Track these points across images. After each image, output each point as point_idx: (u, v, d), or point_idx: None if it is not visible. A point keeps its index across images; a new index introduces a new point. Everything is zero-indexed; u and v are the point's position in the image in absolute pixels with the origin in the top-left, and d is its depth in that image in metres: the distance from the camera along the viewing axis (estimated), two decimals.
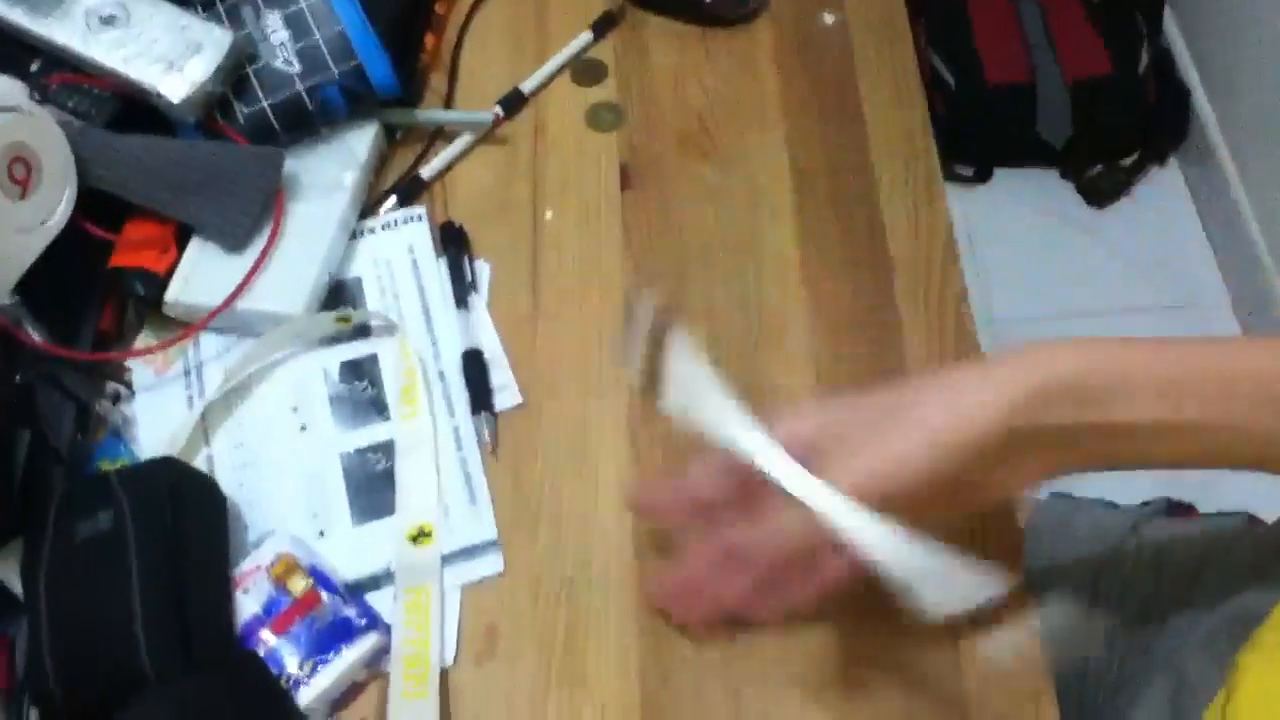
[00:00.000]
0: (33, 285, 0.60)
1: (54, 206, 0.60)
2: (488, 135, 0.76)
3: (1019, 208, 1.71)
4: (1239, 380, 0.47)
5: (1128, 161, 1.73)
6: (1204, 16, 1.71)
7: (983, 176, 1.72)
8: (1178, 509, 0.79)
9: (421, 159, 0.74)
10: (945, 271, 0.72)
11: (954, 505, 0.50)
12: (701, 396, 0.51)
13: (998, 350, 0.49)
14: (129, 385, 0.64)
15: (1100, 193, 1.72)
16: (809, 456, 0.48)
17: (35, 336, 0.60)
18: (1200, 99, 1.71)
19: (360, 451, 0.64)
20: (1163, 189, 1.75)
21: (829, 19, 0.83)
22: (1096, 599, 0.72)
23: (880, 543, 0.46)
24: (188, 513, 0.57)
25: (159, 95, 0.65)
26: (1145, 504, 0.79)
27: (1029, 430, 0.46)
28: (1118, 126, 1.71)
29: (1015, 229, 1.69)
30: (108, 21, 0.65)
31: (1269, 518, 0.73)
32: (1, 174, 0.57)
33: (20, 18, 0.65)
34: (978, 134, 1.68)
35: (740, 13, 0.82)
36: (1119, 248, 1.69)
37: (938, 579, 0.46)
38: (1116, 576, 0.72)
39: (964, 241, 0.81)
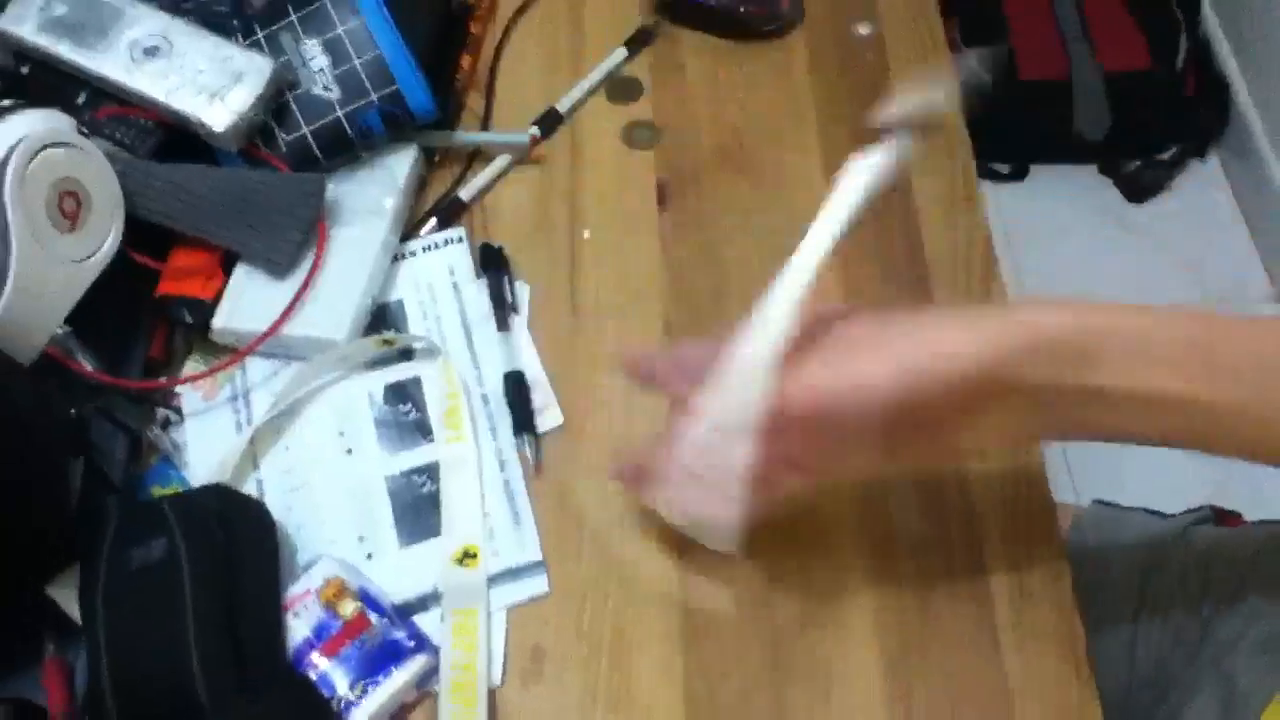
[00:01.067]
0: (83, 315, 0.62)
1: (103, 238, 0.61)
2: (525, 155, 0.76)
3: (1057, 204, 1.69)
4: (1232, 357, 0.46)
5: (1166, 155, 1.71)
6: (1242, 6, 1.68)
7: (1020, 174, 1.70)
8: (1224, 517, 0.78)
9: (460, 180, 0.75)
10: (985, 275, 0.71)
11: (916, 447, 0.49)
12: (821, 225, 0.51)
13: (994, 303, 0.48)
14: (179, 411, 0.65)
15: (1139, 188, 1.70)
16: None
17: (87, 366, 0.62)
18: (1240, 90, 1.68)
19: (405, 474, 0.64)
20: (1203, 182, 1.73)
21: (863, 30, 0.83)
22: (1143, 605, 0.72)
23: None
24: (239, 538, 0.58)
25: (202, 125, 0.66)
26: (1191, 511, 0.78)
27: (1003, 381, 0.45)
28: (1156, 120, 1.69)
29: (1053, 226, 1.67)
30: (151, 53, 0.66)
31: None
32: (53, 208, 0.58)
33: (67, 51, 0.66)
34: (1014, 131, 1.66)
35: (775, 26, 0.82)
36: (1159, 243, 1.67)
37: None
38: (1164, 582, 0.72)
39: (1001, 240, 0.81)
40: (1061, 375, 0.45)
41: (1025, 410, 0.47)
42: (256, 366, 0.67)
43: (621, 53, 0.81)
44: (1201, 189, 1.72)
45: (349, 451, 0.65)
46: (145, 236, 0.65)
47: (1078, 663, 0.58)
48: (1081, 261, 1.65)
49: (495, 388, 0.67)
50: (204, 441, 0.65)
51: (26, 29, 0.66)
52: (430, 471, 0.65)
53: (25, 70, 0.67)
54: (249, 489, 0.63)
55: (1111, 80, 1.64)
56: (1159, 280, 1.63)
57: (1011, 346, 0.45)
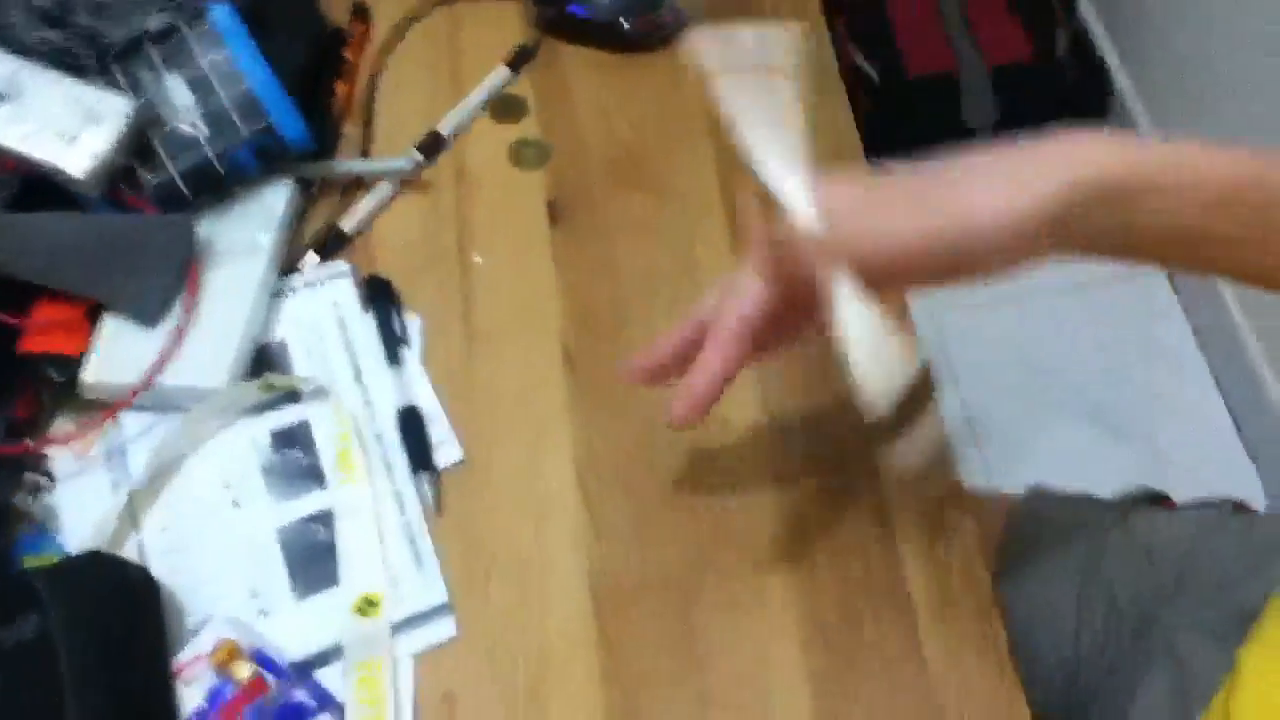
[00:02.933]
0: None
1: None
2: (409, 182, 0.74)
3: None
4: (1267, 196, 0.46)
5: None
6: None
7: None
8: (1157, 500, 0.79)
9: (341, 212, 0.72)
10: None
11: (945, 280, 0.49)
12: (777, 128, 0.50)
13: (1033, 140, 0.46)
14: (49, 475, 0.62)
15: None
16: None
17: None
18: (1118, 71, 1.73)
19: (298, 523, 0.62)
20: None
21: None
22: (1085, 588, 0.72)
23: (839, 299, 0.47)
24: (120, 608, 0.55)
25: (60, 171, 0.62)
26: (1127, 495, 0.79)
27: (1054, 229, 0.45)
28: (1041, 110, 1.72)
29: None
30: (0, 99, 0.63)
31: (1251, 505, 0.74)
32: None
33: None
34: (904, 126, 1.68)
35: (660, 36, 0.81)
36: None
37: (875, 348, 0.47)
38: (1106, 567, 0.72)
39: None
40: (1106, 220, 0.45)
41: (1065, 244, 0.46)
42: (132, 421, 0.64)
43: (504, 71, 0.79)
44: None
45: (236, 504, 0.62)
46: (5, 292, 0.62)
47: (1002, 664, 0.57)
48: None
49: (389, 425, 0.65)
50: (79, 505, 0.61)
51: None
52: (325, 518, 0.62)
53: None
54: (129, 552, 0.60)
55: (996, 73, 1.68)
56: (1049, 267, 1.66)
57: (1057, 202, 0.44)
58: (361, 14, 0.80)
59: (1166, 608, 0.68)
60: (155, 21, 0.68)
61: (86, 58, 0.66)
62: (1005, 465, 1.44)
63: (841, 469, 0.64)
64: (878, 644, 0.58)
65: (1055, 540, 0.75)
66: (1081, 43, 1.75)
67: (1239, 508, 0.74)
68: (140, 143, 0.65)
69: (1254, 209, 0.45)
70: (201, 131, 0.66)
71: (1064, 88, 1.72)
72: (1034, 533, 0.76)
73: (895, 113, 1.67)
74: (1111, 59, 1.74)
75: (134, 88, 0.66)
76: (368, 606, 0.59)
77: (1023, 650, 0.58)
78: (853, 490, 0.63)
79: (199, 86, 0.67)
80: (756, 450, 0.65)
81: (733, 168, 0.75)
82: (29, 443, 0.62)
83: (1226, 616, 0.62)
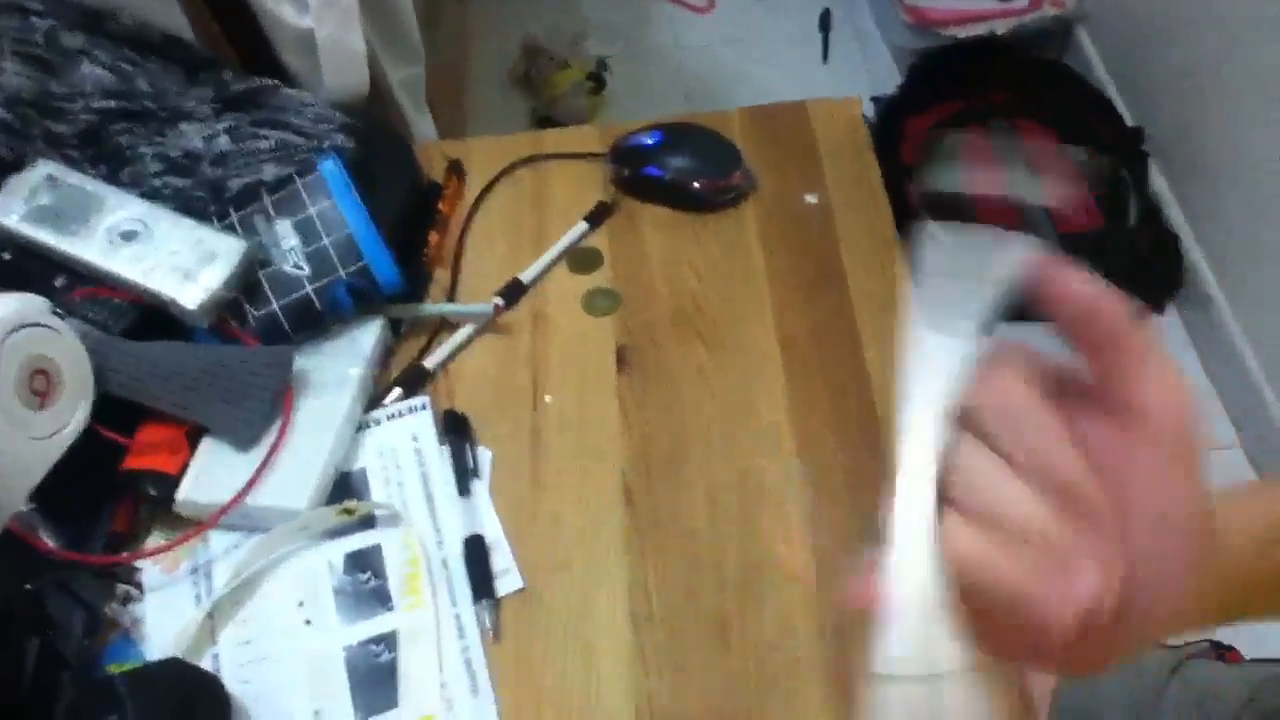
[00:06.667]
0: (48, 490, 0.62)
1: (71, 415, 0.63)
2: (489, 324, 0.79)
3: None
4: None
5: None
6: (1187, 164, 1.76)
7: (985, 330, 1.75)
8: (1222, 652, 0.78)
9: (425, 350, 0.77)
10: None
11: None
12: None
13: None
14: (139, 586, 0.65)
15: None
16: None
17: (50, 542, 0.62)
18: (1192, 246, 1.75)
19: (363, 644, 0.64)
20: (1162, 337, 1.77)
21: (811, 199, 0.87)
22: None
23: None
24: (192, 715, 0.57)
25: (175, 303, 0.68)
26: (1188, 644, 0.78)
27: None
28: (1112, 277, 1.73)
29: None
30: (128, 237, 0.70)
31: None
32: (23, 386, 0.60)
33: (48, 238, 0.69)
34: None
35: (728, 198, 0.86)
36: None
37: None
38: (1156, 717, 0.71)
39: None
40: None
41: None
42: (219, 538, 0.68)
43: (582, 226, 0.85)
44: (1161, 343, 1.76)
45: (308, 622, 0.65)
46: (114, 411, 0.67)
47: None
48: None
49: (456, 553, 0.68)
50: (163, 616, 0.65)
51: (12, 219, 0.69)
52: (388, 640, 0.64)
53: (6, 255, 0.70)
54: (206, 663, 0.63)
55: (1067, 241, 1.70)
56: None
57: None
58: (456, 170, 0.87)
59: None
60: (271, 172, 0.75)
61: (208, 203, 0.73)
62: None
63: None
64: None
65: (1111, 686, 0.74)
66: (1153, 213, 1.78)
67: None
68: (249, 279, 0.71)
69: None
70: (304, 271, 0.72)
71: (1135, 257, 1.73)
72: (1088, 682, 0.75)
73: None
74: (1184, 231, 1.76)
75: (247, 229, 0.73)
76: None
77: None
78: None
79: (305, 230, 0.73)
80: (806, 596, 0.66)
81: (788, 323, 0.79)
82: (126, 555, 0.66)
83: None
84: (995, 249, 0.37)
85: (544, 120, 2.02)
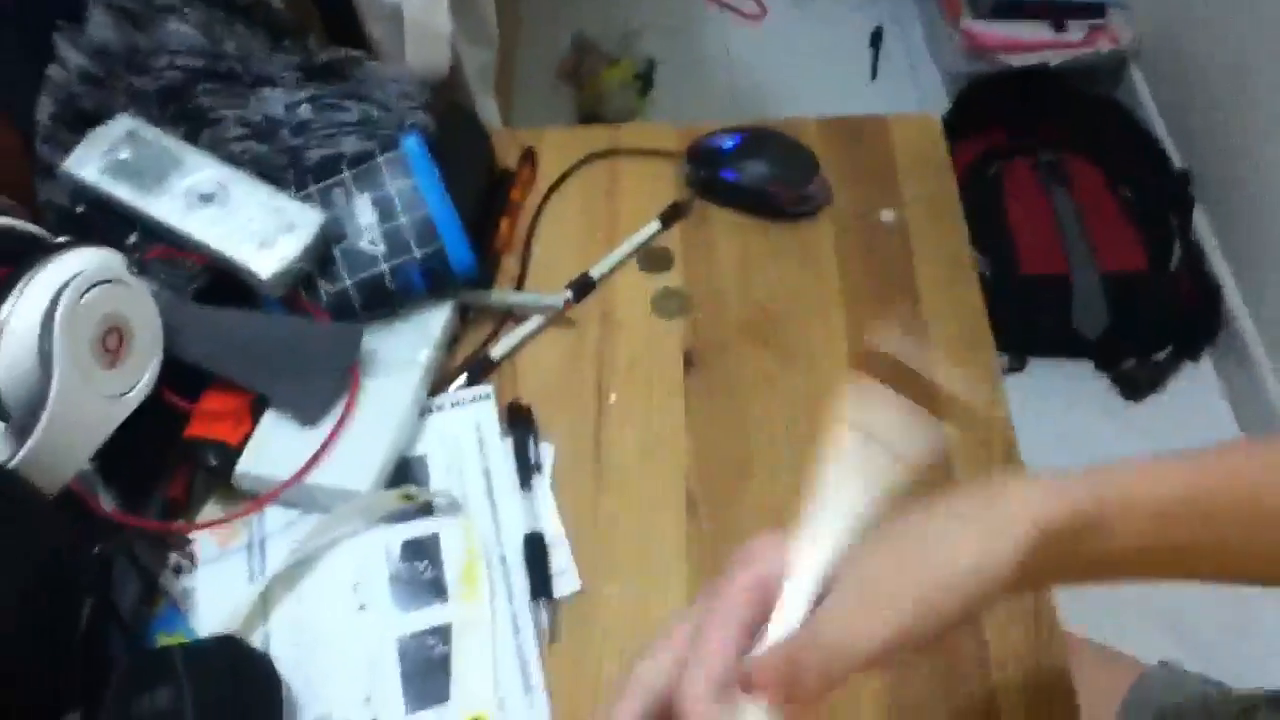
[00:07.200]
0: (108, 452, 0.61)
1: (140, 376, 0.62)
2: (557, 318, 0.77)
3: (1054, 398, 1.71)
4: (1215, 502, 0.48)
5: (1161, 356, 1.75)
6: (1234, 214, 1.75)
7: (1018, 366, 1.73)
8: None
9: (492, 339, 0.76)
10: (1006, 453, 0.72)
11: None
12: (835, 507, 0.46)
13: (996, 485, 0.46)
14: (192, 557, 0.64)
15: (1135, 386, 1.72)
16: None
17: (105, 504, 0.61)
18: (1232, 295, 1.73)
19: (417, 635, 0.63)
20: (1197, 384, 1.75)
21: (887, 216, 0.85)
22: None
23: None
24: (245, 693, 0.56)
25: (249, 271, 0.67)
26: (1254, 692, 0.77)
27: (1030, 572, 0.44)
28: (1152, 321, 1.73)
29: (1050, 419, 1.68)
30: (207, 199, 0.68)
31: None
32: (97, 344, 0.58)
33: (125, 194, 0.68)
34: (1013, 324, 1.70)
35: (803, 208, 0.85)
36: (1153, 441, 1.68)
37: None
38: None
39: None
40: (1070, 557, 0.46)
41: (1036, 581, 0.48)
42: (274, 515, 0.66)
43: (655, 225, 0.83)
44: (1196, 391, 1.75)
45: (362, 608, 0.63)
46: (179, 376, 0.65)
47: None
48: (1076, 455, 1.63)
49: (514, 548, 0.66)
50: (215, 590, 0.63)
51: (89, 171, 0.68)
52: (442, 633, 0.63)
53: (80, 210, 0.69)
54: (257, 641, 0.62)
55: (1109, 280, 1.69)
56: None
57: (1023, 551, 0.44)
58: (530, 158, 0.86)
59: None
60: (353, 145, 0.73)
61: (287, 171, 0.72)
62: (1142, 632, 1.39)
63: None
64: None
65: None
66: (1196, 259, 1.77)
67: None
68: (323, 253, 0.70)
69: (1199, 517, 0.48)
70: (379, 249, 0.71)
71: (1176, 302, 1.72)
72: (1155, 713, 0.74)
73: (1006, 310, 1.68)
74: (1225, 277, 1.75)
75: (325, 202, 0.71)
76: None
77: None
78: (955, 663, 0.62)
79: (383, 207, 0.71)
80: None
81: (860, 339, 0.78)
82: (181, 524, 0.64)
83: None
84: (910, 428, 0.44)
85: (588, 117, 2.01)
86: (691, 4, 2.29)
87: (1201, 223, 1.80)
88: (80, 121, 0.70)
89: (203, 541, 0.65)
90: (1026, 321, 1.71)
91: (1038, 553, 0.45)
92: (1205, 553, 0.49)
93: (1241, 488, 0.49)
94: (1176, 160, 1.84)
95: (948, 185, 0.87)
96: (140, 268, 0.65)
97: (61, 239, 0.60)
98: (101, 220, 0.68)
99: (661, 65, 2.06)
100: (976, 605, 0.45)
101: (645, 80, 2.02)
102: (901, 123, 0.92)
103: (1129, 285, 1.69)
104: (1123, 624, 1.47)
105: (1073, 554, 0.46)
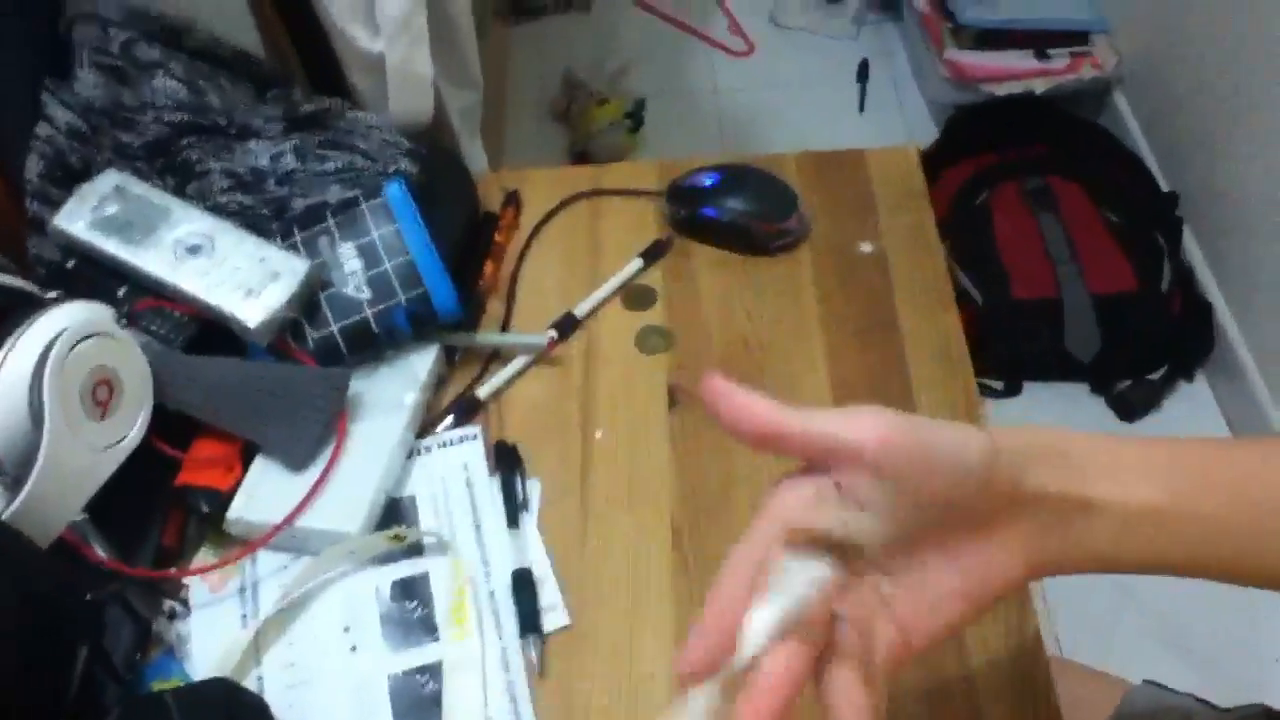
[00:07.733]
0: (100, 501, 0.62)
1: (130, 427, 0.63)
2: (542, 357, 0.79)
3: (1050, 420, 1.72)
4: (1212, 473, 0.46)
5: (1156, 376, 1.75)
6: (1222, 233, 1.76)
7: (1013, 390, 1.74)
8: (1275, 717, 0.77)
9: (478, 379, 0.77)
10: None
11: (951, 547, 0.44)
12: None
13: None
14: (185, 603, 0.65)
15: (1130, 407, 1.73)
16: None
17: (99, 552, 0.62)
18: (1223, 313, 1.74)
19: (408, 673, 0.63)
20: (1192, 403, 1.76)
21: (866, 248, 0.87)
22: None
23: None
24: None
25: (236, 320, 0.68)
26: (1241, 707, 0.77)
27: (1005, 480, 0.43)
28: (1144, 341, 1.74)
29: None
30: (194, 251, 0.70)
31: None
32: (86, 396, 0.59)
33: (114, 248, 0.69)
34: (1006, 348, 1.71)
35: (783, 242, 0.86)
36: None
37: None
38: None
39: None
40: (1053, 481, 0.44)
41: (1030, 526, 0.44)
42: (266, 559, 0.67)
43: (637, 263, 0.85)
44: (1191, 410, 1.75)
45: (353, 648, 0.64)
46: (169, 425, 0.67)
47: None
48: None
49: (503, 585, 0.67)
50: (208, 634, 0.64)
51: (79, 226, 0.69)
52: (433, 671, 0.64)
53: (71, 265, 0.70)
54: (250, 684, 0.62)
55: (1100, 302, 1.70)
56: None
57: (1005, 447, 0.43)
58: (513, 200, 0.87)
59: None
60: (337, 193, 0.75)
61: (273, 221, 0.74)
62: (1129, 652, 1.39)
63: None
64: None
65: None
66: (1186, 279, 1.78)
67: None
68: (310, 300, 0.71)
69: (1187, 481, 0.46)
70: (364, 295, 0.72)
71: (1168, 321, 1.73)
72: None
73: (999, 335, 1.70)
74: (1216, 298, 1.76)
75: (310, 251, 0.73)
76: None
77: None
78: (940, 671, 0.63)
79: (367, 253, 0.73)
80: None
81: (841, 369, 0.79)
82: (174, 570, 0.65)
83: None
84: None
85: (580, 156, 2.04)
86: (680, 40, 2.32)
87: (1190, 242, 1.81)
88: (69, 177, 0.72)
89: (195, 587, 0.66)
90: (1020, 346, 1.72)
91: (1021, 460, 0.43)
92: (1205, 528, 0.46)
93: (1244, 464, 0.47)
94: (1163, 182, 1.86)
95: (925, 215, 0.89)
96: (130, 319, 0.67)
97: (52, 294, 0.62)
98: (92, 274, 0.69)
99: (651, 102, 2.09)
100: (971, 485, 0.42)
101: (635, 119, 2.05)
102: (879, 156, 0.93)
103: (1120, 306, 1.70)
104: (1111, 642, 1.48)
105: (1062, 482, 0.44)
